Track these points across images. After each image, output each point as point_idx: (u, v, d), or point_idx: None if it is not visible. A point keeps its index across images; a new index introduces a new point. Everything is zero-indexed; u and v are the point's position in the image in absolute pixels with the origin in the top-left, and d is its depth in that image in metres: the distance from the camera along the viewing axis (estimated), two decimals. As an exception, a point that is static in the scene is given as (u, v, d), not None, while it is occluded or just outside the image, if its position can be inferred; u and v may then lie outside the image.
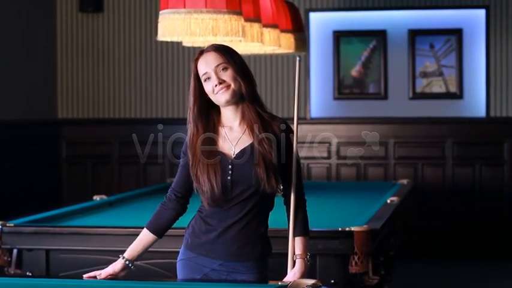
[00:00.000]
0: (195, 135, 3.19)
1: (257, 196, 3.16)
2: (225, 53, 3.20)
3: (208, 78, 3.18)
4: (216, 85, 3.16)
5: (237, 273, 3.19)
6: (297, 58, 3.27)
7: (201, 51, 3.23)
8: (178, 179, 3.28)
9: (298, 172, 3.25)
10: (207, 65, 3.18)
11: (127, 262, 3.25)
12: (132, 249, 3.28)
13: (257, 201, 3.17)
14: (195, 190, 3.21)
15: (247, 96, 3.20)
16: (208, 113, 3.22)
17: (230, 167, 3.16)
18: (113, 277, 3.22)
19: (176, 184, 3.28)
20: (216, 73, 3.17)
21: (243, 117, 3.21)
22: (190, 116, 3.21)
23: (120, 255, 3.27)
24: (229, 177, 3.15)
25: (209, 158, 3.15)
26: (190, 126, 3.21)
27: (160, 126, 8.41)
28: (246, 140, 3.19)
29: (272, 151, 3.15)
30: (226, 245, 3.18)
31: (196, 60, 3.22)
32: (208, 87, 3.18)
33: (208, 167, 3.14)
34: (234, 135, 3.21)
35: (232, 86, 3.16)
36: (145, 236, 3.28)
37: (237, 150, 3.19)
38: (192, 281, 3.19)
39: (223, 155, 3.18)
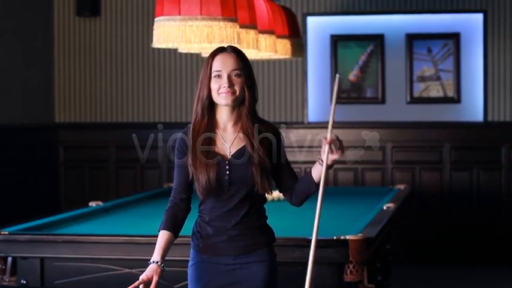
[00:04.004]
0: (200, 123, 3.32)
1: (252, 196, 3.32)
2: (243, 61, 3.34)
3: (219, 76, 3.30)
4: (224, 86, 3.28)
5: (249, 264, 3.32)
6: (337, 75, 3.35)
7: (221, 49, 3.35)
8: (181, 180, 3.36)
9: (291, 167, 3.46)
10: (224, 65, 3.30)
11: (162, 265, 3.27)
12: (161, 252, 3.28)
13: (253, 200, 3.33)
14: (190, 175, 3.29)
15: (247, 106, 3.33)
16: (210, 109, 3.35)
17: (227, 167, 3.30)
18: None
19: (180, 186, 3.37)
20: (229, 76, 3.30)
21: (237, 121, 3.34)
22: (199, 105, 3.32)
23: (153, 262, 3.24)
24: (226, 177, 3.29)
25: (208, 158, 3.28)
26: (197, 112, 3.32)
27: (160, 126, 8.42)
28: (240, 142, 3.33)
29: (266, 157, 3.30)
30: (236, 241, 3.32)
31: (214, 55, 3.33)
32: (215, 84, 3.30)
33: (206, 162, 3.28)
34: (228, 137, 3.35)
35: (238, 93, 3.30)
36: (169, 237, 3.32)
37: (233, 151, 3.32)
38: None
39: (219, 155, 3.31)
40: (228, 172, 3.28)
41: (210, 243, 3.32)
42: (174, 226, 3.34)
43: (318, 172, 3.30)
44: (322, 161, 3.26)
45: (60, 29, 8.99)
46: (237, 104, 3.32)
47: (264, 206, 3.43)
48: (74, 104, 9.02)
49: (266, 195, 3.38)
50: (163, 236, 3.32)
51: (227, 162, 3.29)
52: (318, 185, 3.31)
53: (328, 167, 3.26)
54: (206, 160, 3.26)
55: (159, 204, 6.01)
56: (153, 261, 3.26)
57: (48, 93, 8.93)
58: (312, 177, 3.32)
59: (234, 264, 3.32)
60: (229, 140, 3.33)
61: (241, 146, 3.31)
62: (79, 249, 4.40)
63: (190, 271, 3.38)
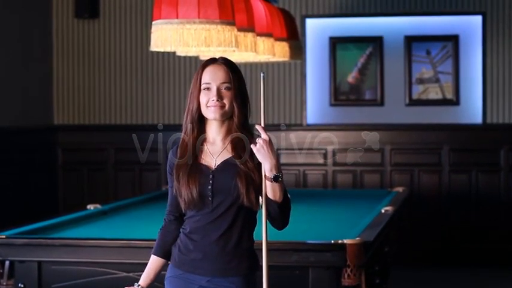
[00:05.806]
0: (191, 135, 3.24)
1: (237, 208, 3.19)
2: (234, 74, 3.24)
3: (208, 89, 3.22)
4: (212, 99, 3.20)
5: None
6: (262, 74, 3.25)
7: (212, 60, 3.28)
8: (172, 200, 3.31)
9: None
10: (213, 77, 3.22)
11: None
12: (146, 278, 3.34)
13: (237, 214, 3.20)
14: (174, 190, 3.24)
15: (237, 122, 3.24)
16: (200, 122, 3.28)
17: (211, 176, 3.20)
18: None
19: (171, 206, 3.33)
20: (218, 89, 3.21)
21: (227, 134, 3.25)
22: (188, 118, 3.25)
23: (136, 284, 3.32)
24: (209, 187, 3.19)
25: (192, 171, 3.20)
26: (187, 126, 3.25)
27: (160, 126, 8.43)
28: (227, 154, 3.24)
29: (255, 170, 3.18)
30: (212, 261, 3.20)
31: (204, 67, 3.25)
32: (204, 98, 3.22)
33: (189, 173, 3.20)
34: (215, 149, 3.26)
35: (226, 107, 3.22)
36: (157, 262, 3.34)
37: (218, 162, 3.23)
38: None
39: (204, 167, 3.22)
40: (211, 182, 3.19)
41: (187, 258, 3.22)
42: (162, 250, 3.32)
43: (269, 188, 3.14)
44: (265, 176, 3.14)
45: (59, 30, 8.98)
46: (227, 118, 3.24)
47: (253, 231, 3.27)
48: (72, 106, 9.01)
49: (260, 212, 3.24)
50: (151, 261, 3.34)
51: (211, 171, 3.21)
52: (279, 201, 3.15)
53: (273, 178, 3.10)
54: (189, 173, 3.18)
55: (157, 206, 6.00)
56: (138, 284, 3.32)
57: (46, 95, 8.92)
58: (269, 197, 3.16)
59: (207, 287, 3.20)
60: (216, 152, 3.24)
61: (228, 157, 3.22)
62: (77, 253, 4.39)
63: (166, 283, 3.31)
